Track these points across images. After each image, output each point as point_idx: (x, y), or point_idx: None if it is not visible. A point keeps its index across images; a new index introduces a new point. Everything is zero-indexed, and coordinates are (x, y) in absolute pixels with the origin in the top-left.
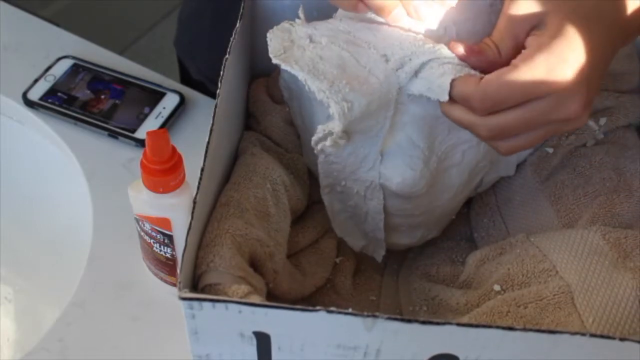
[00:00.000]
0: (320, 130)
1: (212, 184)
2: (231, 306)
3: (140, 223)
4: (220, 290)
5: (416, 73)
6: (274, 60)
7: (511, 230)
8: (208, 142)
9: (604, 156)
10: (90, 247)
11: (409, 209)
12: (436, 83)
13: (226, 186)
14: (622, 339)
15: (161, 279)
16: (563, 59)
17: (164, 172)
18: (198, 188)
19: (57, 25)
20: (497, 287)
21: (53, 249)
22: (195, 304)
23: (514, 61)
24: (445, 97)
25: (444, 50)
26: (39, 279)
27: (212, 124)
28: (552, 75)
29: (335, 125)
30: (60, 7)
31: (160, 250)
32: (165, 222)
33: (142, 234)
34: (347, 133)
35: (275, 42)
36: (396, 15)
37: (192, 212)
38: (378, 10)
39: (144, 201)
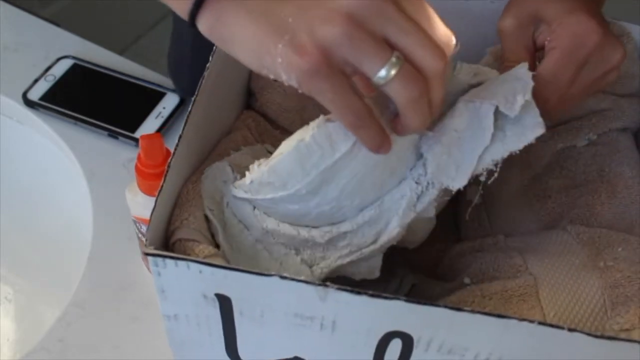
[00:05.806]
0: None
1: (193, 157)
2: (192, 265)
3: (137, 225)
4: (189, 247)
5: None
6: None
7: (495, 229)
8: (189, 113)
9: (590, 158)
10: (90, 247)
11: None
12: None
13: (209, 157)
14: (570, 330)
15: None
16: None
17: (158, 175)
18: (174, 154)
19: (57, 25)
20: (467, 280)
21: (53, 249)
22: (160, 261)
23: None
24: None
25: None
26: (39, 279)
27: (196, 95)
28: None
29: None
30: (60, 7)
31: None
32: None
33: (140, 235)
34: None
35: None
36: None
37: (165, 175)
38: None
39: (140, 204)
